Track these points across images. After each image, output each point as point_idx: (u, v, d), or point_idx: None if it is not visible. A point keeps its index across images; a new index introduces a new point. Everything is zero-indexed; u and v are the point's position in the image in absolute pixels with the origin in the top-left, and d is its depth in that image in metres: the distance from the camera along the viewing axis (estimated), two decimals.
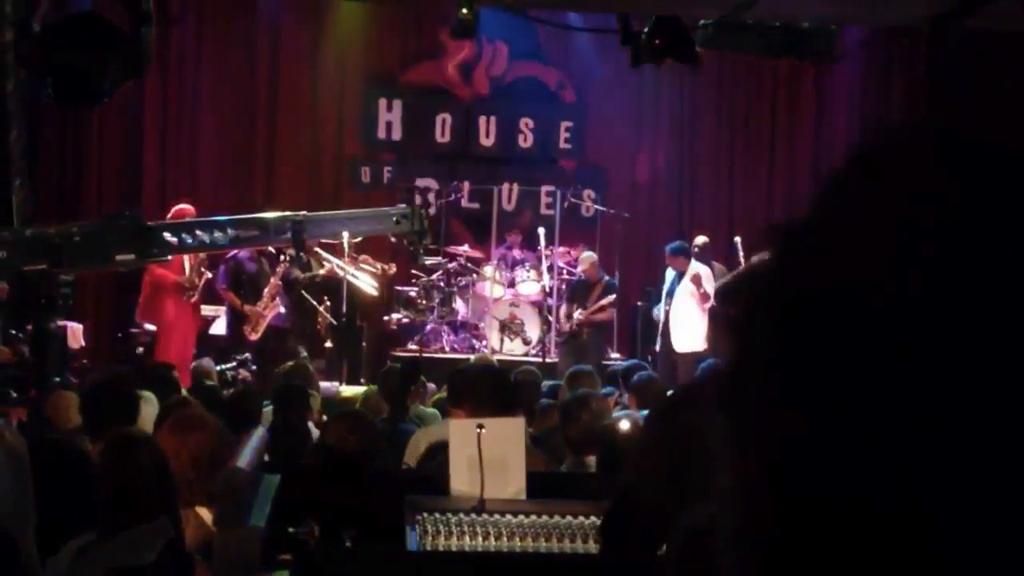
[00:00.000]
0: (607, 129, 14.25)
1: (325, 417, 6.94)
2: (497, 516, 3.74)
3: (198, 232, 9.55)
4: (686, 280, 11.19)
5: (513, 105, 14.19)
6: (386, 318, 12.01)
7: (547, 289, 12.33)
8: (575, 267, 12.45)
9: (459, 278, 12.65)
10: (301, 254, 10.52)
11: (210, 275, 10.74)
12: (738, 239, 11.89)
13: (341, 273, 10.92)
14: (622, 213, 13.16)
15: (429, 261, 11.87)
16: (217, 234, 9.57)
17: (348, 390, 10.34)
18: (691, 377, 9.76)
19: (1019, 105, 0.54)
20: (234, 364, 10.94)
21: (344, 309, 11.03)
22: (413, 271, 12.12)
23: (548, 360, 11.60)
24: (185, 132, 13.61)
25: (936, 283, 0.50)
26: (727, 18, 10.27)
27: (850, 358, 0.51)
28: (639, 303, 12.88)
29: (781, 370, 0.54)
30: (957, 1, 9.11)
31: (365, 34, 13.96)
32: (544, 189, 13.97)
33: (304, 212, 9.92)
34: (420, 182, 13.94)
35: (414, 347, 12.02)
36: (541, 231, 12.61)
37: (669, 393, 5.26)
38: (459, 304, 12.59)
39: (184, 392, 7.19)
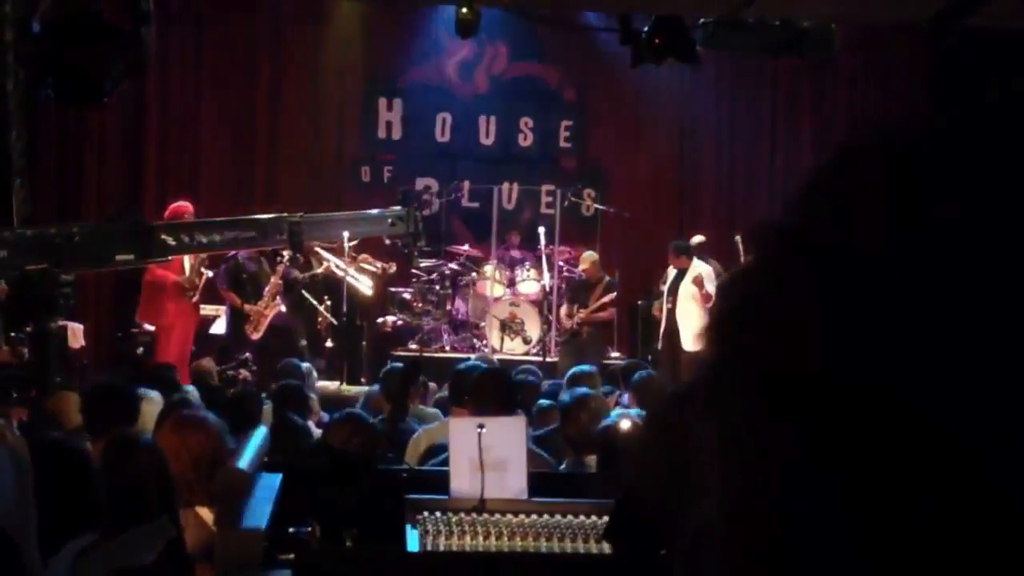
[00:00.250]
0: (607, 128, 14.25)
1: (325, 416, 6.95)
2: (498, 516, 3.74)
3: (197, 233, 9.56)
4: (688, 279, 11.17)
5: (513, 104, 14.19)
6: (380, 320, 11.96)
7: (547, 288, 12.33)
8: (575, 266, 12.45)
9: (460, 278, 12.65)
10: (298, 255, 10.54)
11: (210, 275, 10.74)
12: (739, 238, 11.88)
13: (340, 273, 10.93)
14: (622, 212, 13.16)
15: (424, 263, 11.86)
16: (215, 235, 9.59)
17: (350, 389, 10.35)
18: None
19: (1011, 104, 0.55)
20: (234, 364, 10.95)
21: (344, 308, 11.04)
22: (414, 271, 12.12)
23: (548, 359, 11.59)
24: (185, 132, 13.61)
25: (918, 284, 0.50)
26: (727, 17, 10.27)
27: (833, 357, 0.51)
28: (639, 302, 12.88)
29: (762, 373, 0.54)
30: (956, 0, 9.12)
31: (365, 33, 13.96)
32: (544, 188, 13.96)
33: (301, 213, 9.95)
34: (420, 181, 13.95)
35: (415, 347, 12.01)
36: (541, 230, 12.61)
37: (669, 392, 5.25)
38: (455, 306, 12.59)
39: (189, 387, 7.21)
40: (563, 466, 5.14)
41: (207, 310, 11.35)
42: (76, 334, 10.63)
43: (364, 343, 11.86)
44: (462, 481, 3.84)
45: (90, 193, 13.17)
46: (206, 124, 13.62)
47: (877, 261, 0.51)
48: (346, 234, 10.29)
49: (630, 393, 6.93)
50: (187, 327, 10.58)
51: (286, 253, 10.69)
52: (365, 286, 11.26)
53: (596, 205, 13.43)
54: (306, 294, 11.33)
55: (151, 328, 10.79)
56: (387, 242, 11.02)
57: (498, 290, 12.36)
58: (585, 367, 8.16)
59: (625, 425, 4.72)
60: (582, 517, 3.76)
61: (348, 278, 10.88)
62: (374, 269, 11.46)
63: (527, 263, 12.58)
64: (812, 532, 0.51)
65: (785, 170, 14.09)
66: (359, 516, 3.90)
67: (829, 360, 0.51)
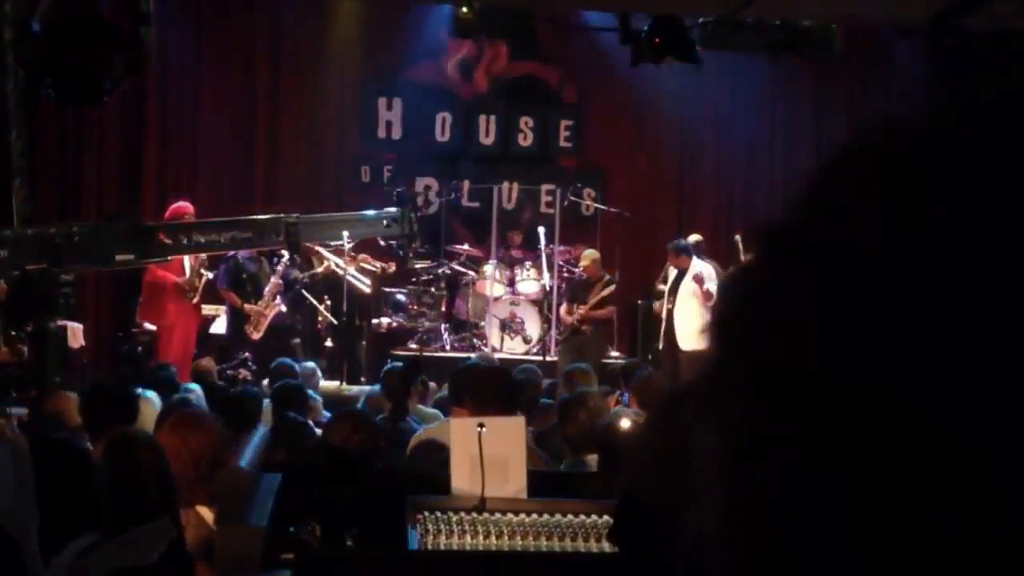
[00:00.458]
0: (607, 128, 14.25)
1: (327, 414, 6.95)
2: (498, 515, 3.74)
3: (194, 233, 9.58)
4: (688, 278, 11.17)
5: (513, 104, 14.19)
6: (376, 321, 11.92)
7: (547, 287, 12.33)
8: (575, 266, 12.45)
9: (461, 277, 12.66)
10: (295, 256, 10.56)
11: (210, 276, 10.75)
12: (738, 238, 11.89)
13: (340, 272, 10.93)
14: (622, 212, 13.16)
15: (420, 264, 11.85)
16: (213, 235, 9.62)
17: (350, 389, 10.35)
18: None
19: (1011, 104, 0.55)
20: (234, 363, 10.95)
21: (344, 308, 11.04)
22: (412, 272, 12.12)
23: (548, 358, 11.59)
24: (185, 132, 13.61)
25: (918, 284, 0.50)
26: (726, 17, 10.27)
27: (832, 357, 0.51)
28: (639, 302, 12.88)
29: (761, 375, 0.54)
30: (956, 1, 9.12)
31: (365, 33, 13.96)
32: (544, 188, 13.96)
33: (297, 215, 9.99)
34: (420, 181, 13.95)
35: (414, 346, 12.02)
36: (541, 230, 12.61)
37: (668, 391, 5.25)
38: (455, 306, 12.59)
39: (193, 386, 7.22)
40: (562, 465, 5.14)
41: (207, 310, 11.36)
42: (76, 334, 10.63)
43: (364, 343, 11.87)
44: (462, 480, 3.84)
45: (90, 193, 13.17)
46: (206, 124, 13.62)
47: (877, 261, 0.51)
48: (346, 234, 10.32)
49: (630, 392, 6.93)
50: (188, 327, 10.59)
51: (285, 253, 10.71)
52: (364, 285, 11.27)
53: (596, 205, 13.43)
54: (306, 294, 11.33)
55: (151, 328, 10.80)
56: (382, 243, 11.04)
57: (498, 290, 12.36)
58: (581, 364, 8.17)
59: (626, 424, 4.72)
60: (582, 516, 3.76)
61: (348, 277, 10.89)
62: (374, 269, 11.47)
63: (527, 262, 12.59)
64: (812, 532, 0.52)
65: (785, 170, 14.08)
66: (359, 515, 3.90)
67: (829, 360, 0.51)
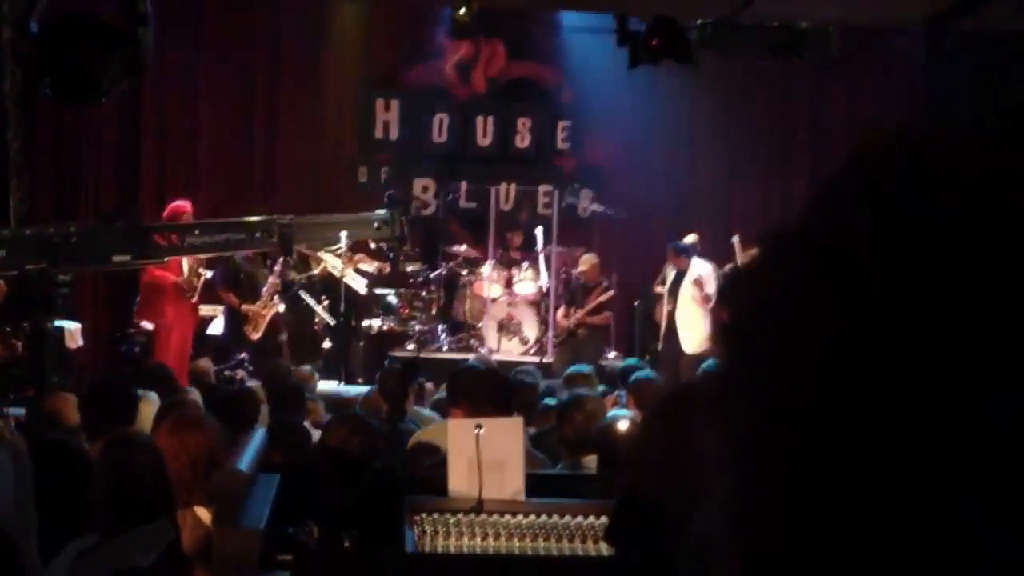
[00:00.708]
0: (605, 129, 14.24)
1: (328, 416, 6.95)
2: (496, 516, 3.74)
3: (188, 234, 9.58)
4: (687, 280, 11.16)
5: (511, 105, 14.19)
6: (366, 323, 11.88)
7: (544, 289, 12.33)
8: (572, 267, 12.44)
9: (458, 278, 12.66)
10: (288, 257, 10.58)
11: (209, 276, 10.74)
12: (735, 239, 11.89)
13: (338, 273, 10.93)
14: (620, 213, 13.15)
15: (410, 267, 11.83)
16: (207, 236, 9.64)
17: (348, 390, 10.35)
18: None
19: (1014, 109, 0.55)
20: (231, 364, 10.95)
21: (342, 309, 11.04)
22: (410, 275, 12.11)
23: (545, 360, 11.59)
24: (183, 132, 13.60)
25: (928, 291, 0.50)
26: (725, 18, 10.28)
27: (845, 362, 0.51)
28: (636, 303, 12.88)
29: (771, 377, 0.54)
30: (954, 2, 9.13)
31: (363, 34, 13.95)
32: (541, 189, 13.96)
33: (290, 216, 10.02)
34: (418, 182, 13.95)
35: (412, 347, 12.01)
36: (539, 231, 12.61)
37: (666, 392, 5.25)
38: (453, 307, 12.58)
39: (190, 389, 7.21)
40: (559, 467, 5.14)
41: (204, 310, 11.35)
42: (74, 334, 10.63)
43: (361, 344, 11.86)
44: (460, 482, 3.84)
45: (87, 193, 13.16)
46: (204, 124, 13.61)
47: (893, 268, 0.51)
48: (344, 235, 10.34)
49: (628, 393, 6.93)
50: (186, 328, 10.58)
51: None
52: (361, 286, 11.26)
53: (593, 206, 13.42)
54: (304, 295, 11.32)
55: (149, 328, 10.79)
56: (372, 246, 11.05)
57: (495, 291, 12.35)
58: (582, 367, 8.16)
59: (624, 425, 4.72)
60: (580, 518, 3.76)
61: (345, 279, 10.89)
62: (371, 270, 11.46)
63: (525, 264, 12.58)
64: (822, 539, 0.51)
65: (782, 172, 14.09)
66: (357, 517, 3.90)
67: (843, 364, 0.51)
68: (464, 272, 12.61)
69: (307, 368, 9.38)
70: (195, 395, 6.79)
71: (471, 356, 10.77)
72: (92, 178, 13.21)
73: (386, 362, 10.25)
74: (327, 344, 11.72)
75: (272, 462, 5.01)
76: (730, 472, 0.56)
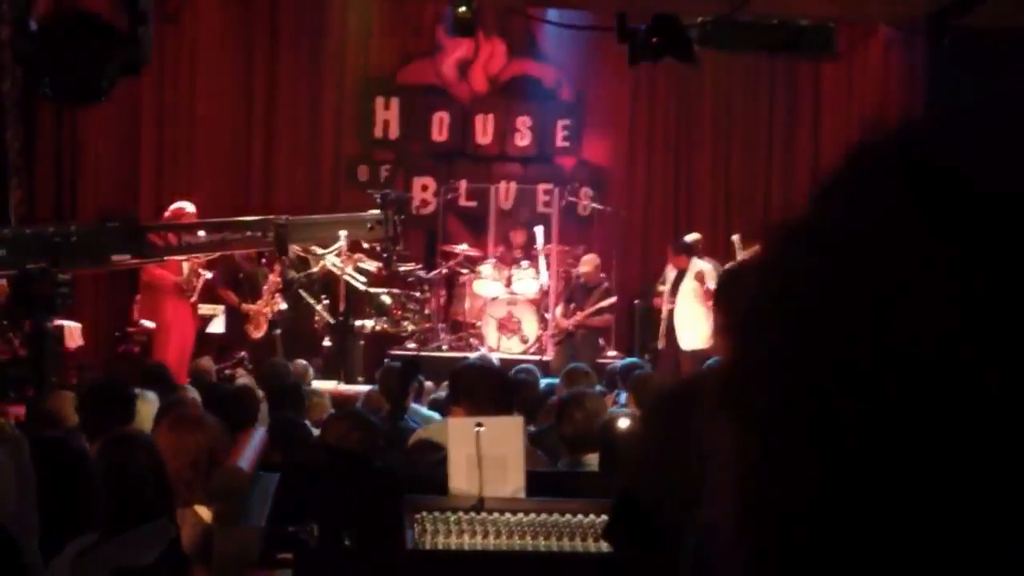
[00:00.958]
0: (605, 127, 14.24)
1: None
2: (496, 514, 3.75)
3: (185, 234, 9.60)
4: (689, 278, 11.15)
5: (510, 103, 14.18)
6: (359, 323, 11.84)
7: (544, 287, 12.33)
8: (574, 266, 12.44)
9: (458, 277, 12.65)
10: (284, 257, 10.60)
11: (208, 276, 10.75)
12: (735, 237, 11.89)
13: (338, 272, 10.94)
14: (619, 212, 13.15)
15: (403, 268, 11.82)
16: (203, 236, 9.66)
17: (349, 389, 10.36)
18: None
19: (1014, 104, 0.55)
20: (231, 363, 10.95)
21: (342, 308, 11.04)
22: (405, 273, 12.10)
23: (545, 358, 11.59)
24: (182, 131, 13.60)
25: (934, 282, 0.50)
26: (725, 16, 10.28)
27: (848, 359, 0.51)
28: (636, 302, 12.87)
29: (777, 374, 0.54)
30: None
31: (362, 32, 13.95)
32: (541, 187, 13.95)
33: (286, 216, 10.05)
34: (417, 180, 13.95)
35: (412, 346, 12.01)
36: (538, 230, 12.61)
37: (665, 389, 5.25)
38: (443, 309, 12.57)
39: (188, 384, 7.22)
40: (559, 464, 5.14)
41: (204, 309, 11.36)
42: (73, 333, 10.63)
43: (361, 343, 11.86)
44: (460, 480, 3.84)
45: (87, 193, 13.15)
46: (203, 123, 13.61)
47: (903, 260, 0.51)
48: (343, 233, 10.36)
49: (628, 392, 6.93)
50: (186, 327, 10.59)
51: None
52: (362, 285, 11.27)
53: (593, 204, 13.43)
54: (303, 293, 11.32)
55: (149, 326, 10.80)
56: (365, 246, 11.06)
57: (495, 289, 12.35)
58: (581, 364, 8.16)
59: (625, 424, 4.72)
60: (580, 516, 3.77)
61: (345, 277, 10.89)
62: (371, 269, 11.46)
63: (524, 262, 12.58)
64: (832, 536, 0.51)
65: (783, 170, 14.09)
66: (358, 515, 3.90)
67: (847, 360, 0.51)
68: (464, 271, 12.61)
69: (302, 363, 9.38)
70: (193, 394, 6.79)
71: (471, 354, 10.78)
72: (91, 178, 13.21)
73: (386, 361, 10.25)
74: (327, 343, 11.71)
75: (272, 461, 5.02)
76: (737, 468, 0.56)
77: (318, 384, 9.74)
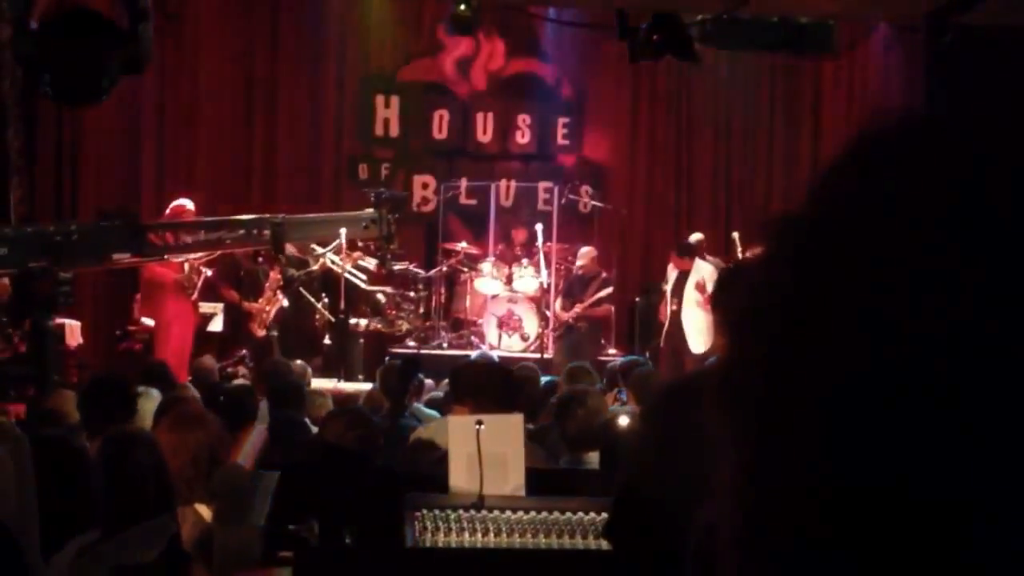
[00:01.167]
0: (605, 125, 14.24)
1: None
2: (496, 512, 3.74)
3: (184, 233, 9.60)
4: (691, 282, 11.10)
5: (511, 101, 14.17)
6: (353, 321, 11.82)
7: (544, 285, 12.33)
8: (573, 262, 12.44)
9: (458, 275, 12.65)
10: (280, 256, 10.60)
11: (209, 273, 10.75)
12: (736, 235, 11.89)
13: (338, 270, 10.94)
14: (619, 210, 13.15)
15: (397, 266, 11.81)
16: (201, 235, 9.68)
17: (349, 387, 10.35)
18: None
19: (1013, 98, 0.55)
20: (232, 361, 10.95)
21: (342, 306, 11.03)
22: (400, 272, 12.09)
23: (545, 356, 11.59)
24: (183, 130, 13.59)
25: (928, 276, 0.50)
26: (725, 14, 10.27)
27: (848, 352, 0.51)
28: (636, 300, 12.87)
29: (778, 368, 0.54)
30: None
31: (362, 31, 13.95)
32: (541, 185, 13.94)
33: (282, 215, 10.06)
34: (418, 179, 13.94)
35: (413, 344, 12.01)
36: (539, 227, 12.60)
37: (664, 387, 5.24)
38: (453, 304, 12.56)
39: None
40: (560, 462, 5.13)
41: (204, 307, 11.36)
42: (74, 332, 10.63)
43: (361, 341, 11.85)
44: (460, 478, 3.84)
45: (87, 192, 13.15)
46: (204, 122, 13.60)
47: (905, 253, 0.51)
48: (344, 231, 10.37)
49: (629, 390, 6.93)
50: (186, 325, 10.59)
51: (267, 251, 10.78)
52: (362, 283, 11.27)
53: (593, 202, 13.42)
54: (304, 291, 11.32)
55: (149, 324, 10.80)
56: (360, 245, 11.06)
57: (496, 287, 12.35)
58: (582, 362, 8.16)
59: (625, 421, 4.72)
60: (580, 514, 3.77)
61: (346, 275, 10.89)
62: (371, 267, 11.45)
63: (525, 260, 12.58)
64: (830, 534, 0.51)
65: (783, 168, 14.08)
66: (358, 513, 3.90)
67: (846, 356, 0.51)
68: (464, 269, 12.60)
69: (300, 363, 9.38)
70: (193, 392, 6.79)
71: (472, 353, 10.78)
72: (92, 177, 13.20)
73: (386, 359, 10.25)
74: (327, 341, 11.70)
75: (272, 459, 5.02)
76: (733, 465, 0.56)
77: (318, 383, 9.74)
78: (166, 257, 9.87)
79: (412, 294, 12.05)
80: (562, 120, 14.22)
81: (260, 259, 11.13)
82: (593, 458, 4.92)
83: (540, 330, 12.12)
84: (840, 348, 0.51)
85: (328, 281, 11.39)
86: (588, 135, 14.28)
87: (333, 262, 10.96)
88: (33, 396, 7.42)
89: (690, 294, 11.05)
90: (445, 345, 12.19)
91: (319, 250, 11.08)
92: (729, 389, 0.57)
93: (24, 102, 11.47)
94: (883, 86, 13.99)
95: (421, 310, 12.13)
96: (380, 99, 14.05)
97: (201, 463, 4.16)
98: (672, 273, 11.47)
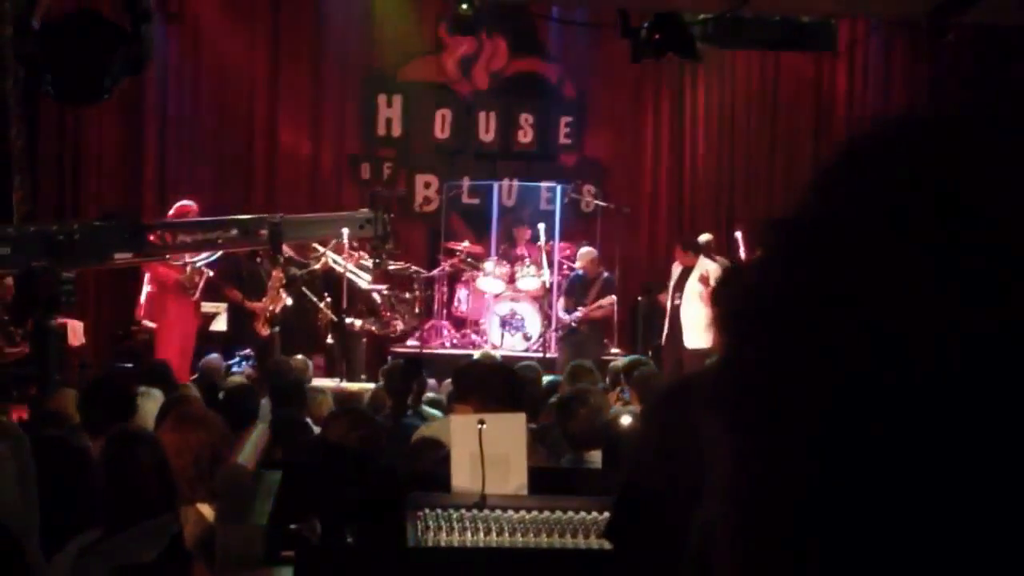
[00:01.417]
0: (607, 124, 14.24)
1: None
2: (498, 512, 3.74)
3: (183, 233, 9.61)
4: (694, 277, 11.11)
5: (513, 100, 14.18)
6: (348, 321, 11.79)
7: (547, 284, 12.33)
8: (575, 262, 12.44)
9: (461, 274, 12.65)
10: (278, 255, 10.62)
11: (211, 273, 10.76)
12: (739, 234, 11.88)
13: (340, 269, 10.94)
14: (622, 208, 13.15)
15: (392, 266, 11.81)
16: (200, 235, 9.70)
17: (351, 387, 10.35)
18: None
19: (1012, 95, 0.54)
20: (235, 361, 10.95)
21: (344, 305, 11.04)
22: (396, 272, 12.07)
23: (548, 355, 11.59)
24: (185, 130, 13.61)
25: (928, 276, 0.50)
26: (727, 13, 10.27)
27: (846, 353, 0.51)
28: (639, 298, 12.87)
29: (775, 368, 0.53)
30: None
31: (364, 30, 13.95)
32: (544, 185, 13.95)
33: (281, 215, 10.08)
34: (420, 178, 13.95)
35: (415, 343, 12.01)
36: (541, 227, 12.61)
37: (665, 386, 5.24)
38: (454, 303, 12.56)
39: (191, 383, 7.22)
40: (563, 461, 5.14)
41: (207, 307, 11.36)
42: (76, 332, 10.64)
43: (364, 340, 11.85)
44: (463, 477, 3.84)
45: (89, 191, 13.17)
46: (205, 122, 13.62)
47: (895, 255, 0.51)
48: (346, 231, 10.38)
49: (631, 389, 6.93)
50: (188, 325, 10.60)
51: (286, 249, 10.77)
52: (364, 282, 11.27)
53: (596, 201, 13.42)
54: (306, 291, 11.32)
55: (151, 325, 10.81)
56: (355, 244, 11.08)
57: (498, 286, 12.36)
58: (584, 362, 8.16)
59: (628, 421, 4.72)
60: (583, 513, 3.76)
61: (348, 274, 10.89)
62: (371, 267, 11.45)
63: (527, 259, 12.58)
64: (825, 535, 0.51)
65: (785, 167, 14.08)
66: (360, 513, 3.90)
67: (844, 357, 0.51)
68: (467, 268, 12.60)
69: (301, 358, 9.39)
70: (194, 392, 6.80)
71: (475, 352, 10.78)
72: (94, 177, 13.22)
73: (389, 358, 10.25)
74: (329, 340, 11.70)
75: (274, 458, 5.02)
76: (730, 466, 0.56)
77: (320, 382, 9.74)
78: (167, 257, 9.88)
79: (407, 295, 12.03)
80: (564, 119, 14.22)
81: (259, 259, 11.13)
82: (595, 457, 4.92)
83: (543, 329, 12.13)
84: (838, 349, 0.51)
85: (330, 280, 11.39)
86: (590, 134, 14.28)
87: (335, 261, 10.97)
88: (36, 396, 7.43)
89: (693, 287, 11.04)
90: (447, 344, 12.19)
91: (320, 249, 11.09)
92: (725, 389, 0.57)
93: (26, 102, 11.48)
94: (884, 85, 13.99)
95: (417, 310, 12.11)
96: (382, 98, 14.06)
97: (203, 463, 4.16)
98: (676, 268, 11.47)
